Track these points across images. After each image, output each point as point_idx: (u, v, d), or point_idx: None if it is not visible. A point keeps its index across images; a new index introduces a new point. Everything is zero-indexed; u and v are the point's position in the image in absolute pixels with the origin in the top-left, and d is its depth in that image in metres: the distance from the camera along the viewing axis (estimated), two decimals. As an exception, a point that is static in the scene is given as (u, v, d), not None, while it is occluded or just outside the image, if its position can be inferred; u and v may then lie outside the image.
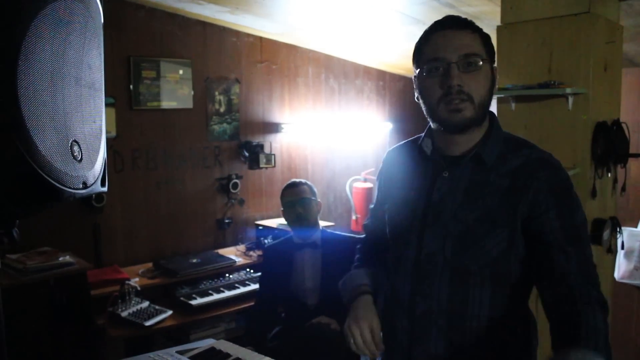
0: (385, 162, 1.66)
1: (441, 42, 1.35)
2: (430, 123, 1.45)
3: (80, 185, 1.01)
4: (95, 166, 1.08)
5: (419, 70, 1.40)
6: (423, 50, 1.39)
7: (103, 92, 1.16)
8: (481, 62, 1.34)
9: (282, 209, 2.96)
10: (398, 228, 1.50)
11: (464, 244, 1.35)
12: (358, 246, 1.84)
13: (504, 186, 1.35)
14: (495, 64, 1.42)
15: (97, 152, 1.11)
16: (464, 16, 1.40)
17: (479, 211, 1.35)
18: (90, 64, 1.09)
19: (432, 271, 1.39)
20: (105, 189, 1.13)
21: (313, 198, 2.91)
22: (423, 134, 1.53)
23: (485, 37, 1.39)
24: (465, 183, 1.39)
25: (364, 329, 1.41)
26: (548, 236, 1.31)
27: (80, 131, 1.03)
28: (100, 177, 1.12)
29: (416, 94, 1.44)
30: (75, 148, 1.00)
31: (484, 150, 1.39)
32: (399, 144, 1.66)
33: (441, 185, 1.41)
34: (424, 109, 1.42)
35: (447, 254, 1.37)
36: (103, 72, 1.16)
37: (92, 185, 1.06)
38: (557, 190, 1.33)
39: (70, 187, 0.96)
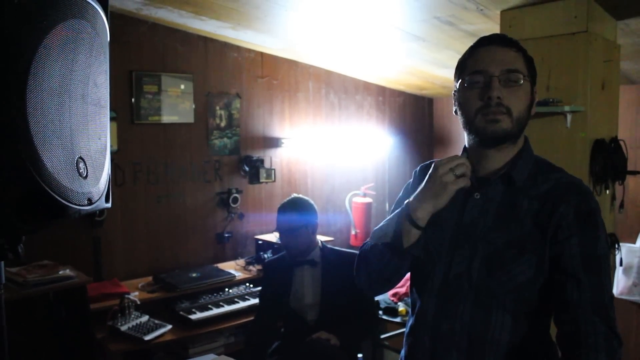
0: (417, 178, 1.62)
1: (485, 56, 1.37)
2: (466, 137, 1.45)
3: (86, 202, 1.02)
4: (100, 182, 1.10)
5: (460, 81, 1.41)
6: (466, 63, 1.40)
7: (108, 108, 1.18)
8: (522, 79, 1.35)
9: None
10: (428, 247, 1.47)
11: (490, 268, 1.34)
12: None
13: (534, 211, 1.34)
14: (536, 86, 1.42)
15: (102, 168, 1.12)
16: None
17: (510, 235, 1.34)
18: (97, 82, 1.11)
19: (457, 292, 1.38)
20: (109, 205, 1.14)
21: (302, 225, 2.81)
22: (461, 151, 1.52)
23: (529, 59, 1.40)
24: (497, 205, 1.38)
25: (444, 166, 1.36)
26: (566, 262, 1.29)
27: (86, 148, 1.05)
28: (105, 193, 1.13)
29: (454, 107, 1.44)
30: (81, 165, 1.02)
31: (514, 169, 1.38)
32: (430, 160, 1.62)
33: (472, 207, 1.40)
34: (461, 121, 1.41)
35: (473, 276, 1.36)
36: (108, 89, 1.18)
37: (96, 201, 1.07)
38: (584, 218, 1.31)
39: (75, 204, 0.98)
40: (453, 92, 1.46)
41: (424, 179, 1.57)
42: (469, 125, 1.39)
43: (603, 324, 1.25)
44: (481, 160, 1.43)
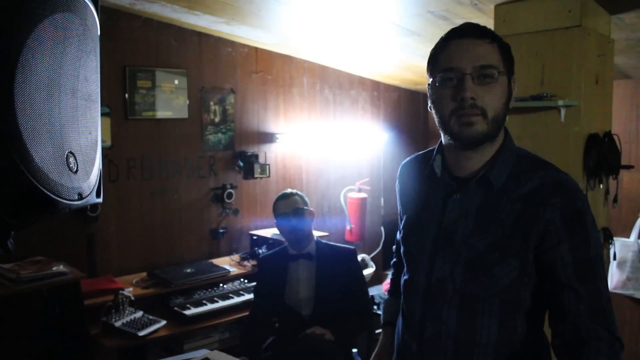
0: (400, 177, 1.61)
1: (456, 51, 1.30)
2: (442, 136, 1.40)
3: (76, 197, 1.01)
4: (90, 177, 1.09)
5: (432, 79, 1.36)
6: (438, 59, 1.34)
7: (99, 103, 1.17)
8: (497, 74, 1.28)
9: (275, 221, 2.95)
10: (411, 250, 1.46)
11: (473, 272, 1.31)
12: (392, 261, 1.82)
13: (516, 212, 1.29)
14: (514, 75, 1.36)
15: (93, 163, 1.12)
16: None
17: (490, 238, 1.30)
18: (87, 76, 1.10)
19: (441, 296, 1.35)
20: (100, 200, 1.13)
21: (306, 207, 2.90)
22: (435, 147, 1.47)
23: (505, 47, 1.34)
24: (477, 207, 1.34)
25: None
26: (559, 272, 1.26)
27: (76, 142, 1.04)
28: (96, 188, 1.12)
29: (429, 103, 1.40)
30: (71, 159, 1.01)
31: (491, 172, 1.33)
32: (411, 156, 1.61)
33: (452, 209, 1.36)
34: (436, 119, 1.37)
35: (457, 281, 1.33)
36: (99, 84, 1.17)
37: (87, 196, 1.06)
38: (571, 220, 1.26)
39: (65, 199, 0.97)
40: (427, 84, 1.41)
41: (405, 180, 1.60)
42: (444, 127, 1.34)
43: (604, 329, 1.23)
44: (459, 161, 1.39)
